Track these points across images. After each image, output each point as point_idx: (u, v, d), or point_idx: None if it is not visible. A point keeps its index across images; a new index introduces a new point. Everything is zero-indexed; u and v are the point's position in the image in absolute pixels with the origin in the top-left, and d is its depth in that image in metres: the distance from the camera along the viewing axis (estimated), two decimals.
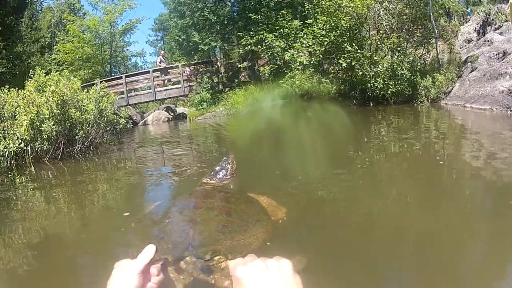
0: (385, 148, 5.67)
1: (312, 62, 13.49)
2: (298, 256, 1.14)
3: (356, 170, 4.45)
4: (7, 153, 6.18)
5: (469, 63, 12.26)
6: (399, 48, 13.10)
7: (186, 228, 2.04)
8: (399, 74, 12.15)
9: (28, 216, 3.68)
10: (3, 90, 7.61)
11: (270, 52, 15.09)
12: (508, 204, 2.80)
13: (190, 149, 8.29)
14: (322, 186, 3.75)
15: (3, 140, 6.29)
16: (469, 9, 19.57)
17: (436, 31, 13.11)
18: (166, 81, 19.17)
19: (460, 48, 15.95)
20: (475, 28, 17.67)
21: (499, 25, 16.85)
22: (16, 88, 7.87)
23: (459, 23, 17.96)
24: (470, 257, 2.15)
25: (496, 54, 11.85)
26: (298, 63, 13.44)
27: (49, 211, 3.86)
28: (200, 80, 18.10)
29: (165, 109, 18.25)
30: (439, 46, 13.49)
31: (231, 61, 19.60)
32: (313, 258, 1.85)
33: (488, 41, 14.41)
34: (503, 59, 11.29)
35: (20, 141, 6.54)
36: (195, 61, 19.02)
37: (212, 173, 3.28)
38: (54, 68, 20.45)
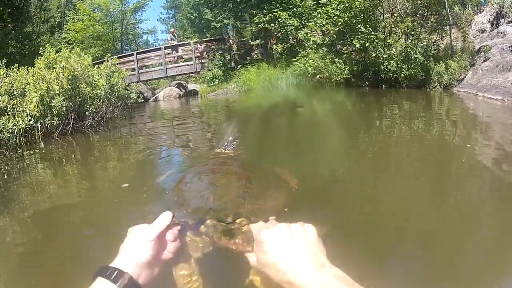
0: (395, 130, 5.64)
1: (325, 42, 13.34)
2: (318, 224, 1.11)
3: (367, 150, 4.44)
4: (16, 130, 6.24)
5: (482, 53, 12.02)
6: (413, 33, 12.89)
7: (205, 193, 2.01)
8: (412, 58, 11.97)
9: (36, 190, 3.72)
10: (13, 69, 7.58)
11: (284, 31, 14.96)
12: None
13: (201, 123, 8.34)
14: (332, 162, 3.82)
15: (12, 118, 6.34)
16: None
17: (450, 18, 12.82)
18: (177, 58, 19.14)
19: (474, 37, 15.61)
20: (489, 19, 17.28)
21: None
22: (26, 67, 7.85)
23: (473, 12, 17.55)
24: (473, 248, 2.15)
25: (509, 46, 11.63)
26: (311, 42, 13.31)
27: (57, 184, 3.91)
28: (212, 57, 18.05)
29: (176, 85, 18.21)
30: (452, 33, 13.22)
31: (244, 39, 19.41)
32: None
33: (501, 33, 14.12)
34: None
35: (29, 117, 6.58)
36: (207, 39, 18.91)
37: (226, 143, 3.26)
38: (64, 46, 20.14)
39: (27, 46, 20.63)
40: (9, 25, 19.17)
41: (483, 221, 2.37)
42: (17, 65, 7.79)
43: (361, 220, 2.36)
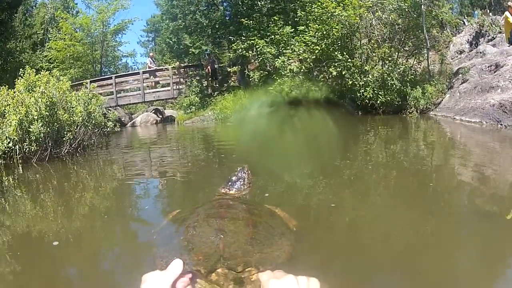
0: (372, 160, 5.71)
1: (302, 70, 13.47)
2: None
3: (344, 179, 4.50)
4: None
5: (460, 75, 12.13)
6: (390, 58, 13.07)
7: (215, 240, 2.05)
8: (389, 84, 12.12)
9: (17, 223, 3.66)
10: None
11: (261, 58, 15.02)
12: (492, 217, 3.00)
13: (179, 154, 8.34)
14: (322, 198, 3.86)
15: None
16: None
17: (428, 42, 13.09)
18: (155, 83, 19.14)
19: (452, 59, 15.84)
20: (468, 39, 17.60)
21: (492, 37, 16.79)
22: (7, 85, 7.87)
23: (451, 33, 17.83)
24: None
25: (488, 67, 11.68)
26: (288, 70, 13.40)
27: (38, 219, 3.82)
28: (189, 84, 18.13)
29: (153, 111, 18.21)
30: (430, 56, 13.45)
31: (222, 65, 19.56)
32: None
33: (480, 52, 14.36)
34: (495, 72, 11.09)
35: (8, 140, 6.52)
36: (185, 64, 19.01)
37: (229, 183, 3.34)
38: (45, 65, 20.30)
39: (9, 63, 20.40)
40: None
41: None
42: None
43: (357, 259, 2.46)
